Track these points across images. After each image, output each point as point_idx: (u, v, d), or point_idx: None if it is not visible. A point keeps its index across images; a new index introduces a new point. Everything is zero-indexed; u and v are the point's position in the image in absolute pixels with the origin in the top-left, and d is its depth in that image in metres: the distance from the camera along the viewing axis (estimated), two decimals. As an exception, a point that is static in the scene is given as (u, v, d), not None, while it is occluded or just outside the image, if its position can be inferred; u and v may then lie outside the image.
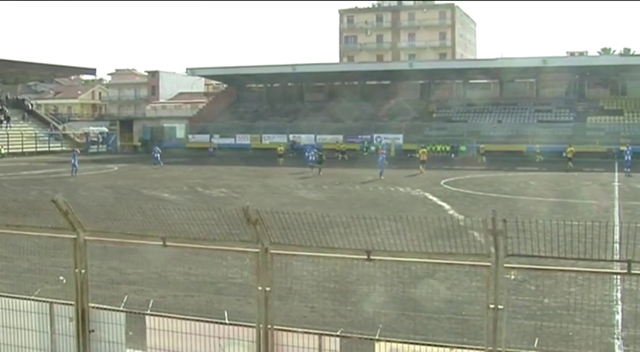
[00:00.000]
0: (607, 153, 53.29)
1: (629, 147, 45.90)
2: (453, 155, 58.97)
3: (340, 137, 65.39)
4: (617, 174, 39.50)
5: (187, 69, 77.94)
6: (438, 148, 60.16)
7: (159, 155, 47.90)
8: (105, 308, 6.80)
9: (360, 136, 65.02)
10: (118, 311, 6.71)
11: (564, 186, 32.16)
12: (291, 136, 67.32)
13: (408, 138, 62.89)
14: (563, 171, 41.69)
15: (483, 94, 71.13)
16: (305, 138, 66.32)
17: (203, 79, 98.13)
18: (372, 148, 61.40)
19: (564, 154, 46.48)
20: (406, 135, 63.56)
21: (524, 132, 60.76)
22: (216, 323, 6.57)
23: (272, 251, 7.04)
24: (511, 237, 6.89)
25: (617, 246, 8.49)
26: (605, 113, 63.75)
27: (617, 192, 28.80)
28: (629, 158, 42.87)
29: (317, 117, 70.95)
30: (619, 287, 9.84)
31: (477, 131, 62.70)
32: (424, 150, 44.48)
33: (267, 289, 6.78)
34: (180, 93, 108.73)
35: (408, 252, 7.19)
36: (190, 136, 72.58)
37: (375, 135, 64.59)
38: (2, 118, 71.43)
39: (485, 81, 73.04)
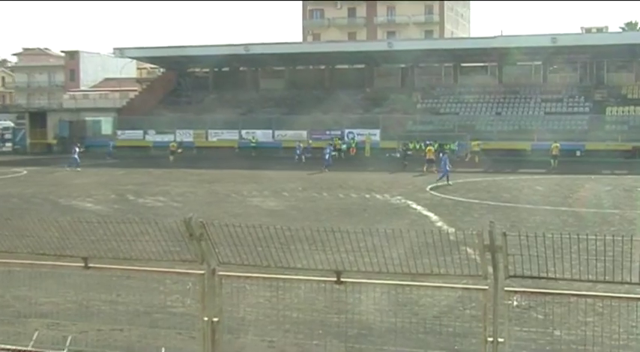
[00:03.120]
0: (631, 151, 54.42)
1: None
2: (441, 154, 59.56)
3: (304, 133, 65.58)
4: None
5: (115, 49, 77.24)
6: (422, 146, 60.67)
7: (77, 156, 48.21)
8: (8, 350, 6.65)
9: (328, 132, 65.30)
10: None
11: (579, 192, 32.78)
12: (244, 132, 67.23)
13: (387, 133, 63.38)
14: (572, 172, 42.49)
15: (479, 81, 72.12)
16: (261, 135, 66.26)
17: (135, 61, 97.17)
18: (344, 146, 61.68)
19: (552, 152, 48.66)
20: (384, 130, 64.03)
21: (529, 127, 61.66)
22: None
23: (220, 272, 6.99)
24: (513, 255, 6.95)
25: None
26: (629, 103, 64.98)
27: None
28: None
29: (276, 110, 71.05)
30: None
31: (470, 125, 63.44)
32: (431, 147, 46.70)
33: (215, 320, 6.72)
34: (107, 80, 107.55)
35: (386, 272, 7.23)
36: (119, 132, 71.84)
37: (346, 131, 64.89)
38: None
39: (481, 64, 74.11)
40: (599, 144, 55.74)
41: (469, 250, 7.89)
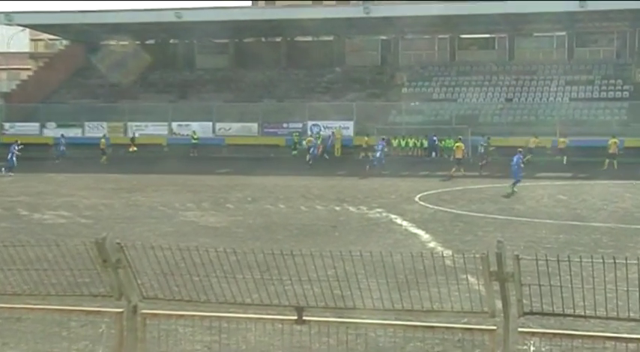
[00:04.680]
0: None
1: None
2: (434, 154, 60.07)
3: (254, 126, 65.53)
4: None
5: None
6: (410, 143, 61.13)
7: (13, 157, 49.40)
8: None
9: (286, 125, 65.37)
10: None
11: (615, 203, 33.21)
12: (175, 125, 66.94)
13: (362, 126, 63.55)
14: (606, 177, 43.06)
15: (483, 58, 72.95)
16: (198, 128, 65.88)
17: (27, 30, 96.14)
18: (306, 143, 61.98)
19: (609, 150, 50.33)
20: (359, 122, 64.29)
21: (549, 118, 62.32)
22: None
23: (144, 311, 6.94)
24: (529, 285, 6.98)
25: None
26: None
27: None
28: None
29: (217, 95, 70.92)
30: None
31: (472, 115, 64.03)
32: (460, 144, 48.34)
33: (137, 375, 6.67)
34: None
35: (363, 309, 7.22)
36: (7, 125, 71.03)
37: (309, 123, 65.00)
38: None
39: (486, 36, 74.86)
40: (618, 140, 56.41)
41: (471, 279, 7.94)
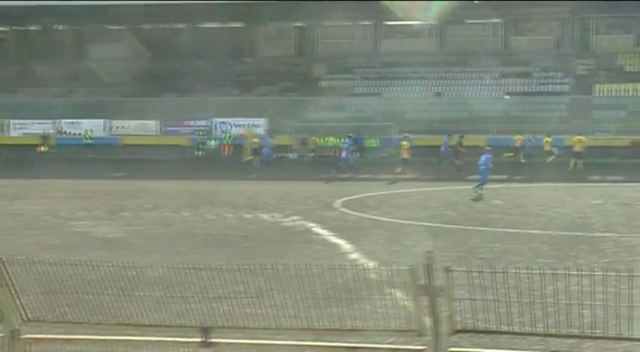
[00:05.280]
0: (631, 148, 56.36)
1: None
2: (355, 154, 60.31)
3: (154, 124, 64.89)
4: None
5: None
6: (329, 142, 61.13)
7: None
8: None
9: (189, 123, 64.86)
10: None
11: (556, 208, 33.75)
12: (63, 123, 65.82)
13: (277, 124, 63.33)
14: (546, 180, 43.80)
15: (411, 46, 73.38)
16: (89, 126, 64.89)
17: None
18: (212, 143, 61.58)
19: (574, 148, 51.25)
20: (273, 119, 64.09)
21: (484, 114, 63.00)
22: None
23: (27, 335, 6.82)
24: (461, 300, 7.02)
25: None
26: (626, 77, 67.58)
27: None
28: None
29: (111, 90, 70.00)
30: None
31: (399, 112, 64.30)
32: (405, 142, 48.57)
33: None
34: None
35: (277, 328, 7.19)
36: None
37: (216, 121, 64.59)
38: None
39: (408, 23, 75.25)
40: (585, 138, 57.39)
41: (398, 294, 8.00)
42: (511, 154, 54.06)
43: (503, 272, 6.70)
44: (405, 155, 47.34)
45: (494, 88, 67.79)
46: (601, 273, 6.78)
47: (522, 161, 53.70)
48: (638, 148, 55.51)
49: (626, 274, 6.77)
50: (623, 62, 69.24)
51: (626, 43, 71.70)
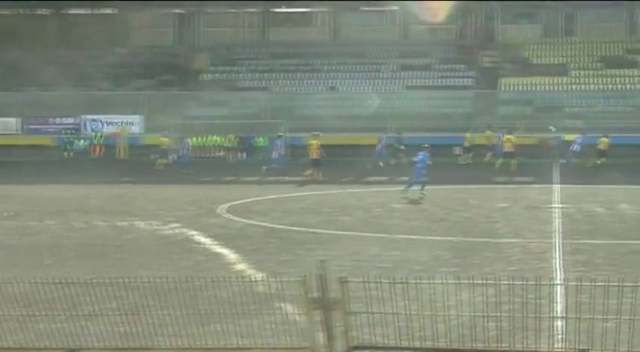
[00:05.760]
0: (540, 146, 57.46)
1: (579, 138, 53.45)
2: (241, 154, 60.33)
3: (14, 122, 63.72)
4: (558, 186, 42.78)
5: None
6: (216, 141, 61.00)
7: None
8: None
9: (54, 120, 63.93)
10: None
11: (459, 212, 34.21)
12: None
13: (153, 122, 62.83)
14: (447, 181, 44.41)
15: (301, 37, 73.71)
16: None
17: None
18: (81, 143, 60.83)
19: (504, 148, 52.33)
20: (149, 117, 63.58)
21: (383, 110, 63.51)
22: None
23: None
24: (358, 313, 7.07)
25: (559, 323, 9.16)
26: (534, 71, 69.45)
27: (558, 221, 30.99)
28: (577, 149, 50.83)
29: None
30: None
31: (289, 107, 64.53)
32: (315, 141, 47.31)
33: None
34: None
35: (154, 349, 7.12)
36: None
37: (86, 118, 63.79)
38: None
39: (303, 10, 75.51)
40: (514, 136, 58.38)
41: (289, 307, 8.02)
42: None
43: (402, 282, 6.76)
44: (315, 155, 46.90)
45: (392, 81, 68.49)
46: (507, 282, 6.90)
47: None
48: (546, 147, 56.62)
49: (534, 283, 6.90)
50: (530, 54, 70.78)
51: (532, 34, 73.31)
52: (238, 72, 70.22)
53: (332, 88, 68.14)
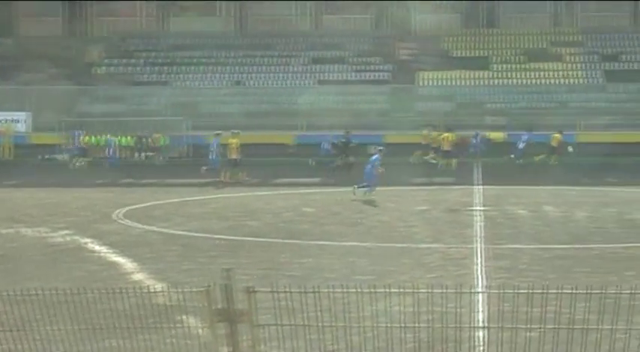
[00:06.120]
0: (459, 145, 57.76)
1: (525, 135, 55.26)
2: (139, 154, 59.86)
3: None
4: (480, 187, 43.39)
5: None
6: (113, 140, 60.37)
7: None
8: None
9: None
10: None
11: (375, 216, 34.40)
12: None
13: (42, 119, 62.03)
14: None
15: (204, 27, 73.31)
16: None
17: None
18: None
19: (443, 146, 53.41)
20: (38, 114, 62.77)
21: (293, 107, 63.50)
22: None
23: None
24: (267, 325, 7.06)
25: (480, 333, 9.28)
26: (455, 64, 69.74)
27: (480, 225, 31.36)
28: (522, 146, 53.62)
29: None
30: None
31: (191, 104, 64.20)
32: (235, 140, 47.40)
33: None
34: None
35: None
36: None
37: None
38: None
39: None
40: (408, 134, 58.62)
41: (191, 320, 7.99)
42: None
43: (314, 292, 6.78)
44: (235, 155, 46.72)
45: (303, 75, 68.43)
46: (426, 291, 6.95)
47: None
48: (466, 146, 57.07)
49: (454, 291, 6.96)
50: (450, 46, 71.24)
51: (452, 24, 73.77)
52: (135, 65, 69.60)
53: (238, 83, 67.90)
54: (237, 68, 69.07)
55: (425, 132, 56.66)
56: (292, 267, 23.37)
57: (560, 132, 55.12)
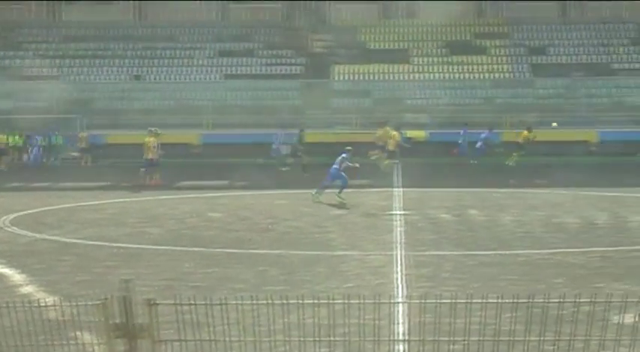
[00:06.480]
0: (377, 144, 58.05)
1: (485, 134, 56.09)
2: (28, 155, 59.34)
3: None
4: (400, 190, 43.64)
5: None
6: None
7: None
8: None
9: None
10: None
11: (287, 221, 34.43)
12: None
13: None
14: (273, 186, 44.67)
15: (100, 17, 72.83)
16: None
17: None
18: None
19: (389, 146, 53.25)
20: None
21: (198, 103, 63.24)
22: None
23: None
24: (169, 341, 7.02)
25: (400, 346, 9.33)
26: (372, 58, 70.26)
27: (400, 230, 31.53)
28: (464, 141, 55.94)
29: None
30: None
31: (86, 100, 63.77)
32: (151, 139, 47.34)
33: None
34: None
35: None
36: None
37: None
38: None
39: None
40: (323, 132, 58.78)
41: (86, 336, 7.93)
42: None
43: (221, 304, 6.78)
44: (151, 155, 46.54)
45: (209, 69, 68.35)
46: (342, 302, 6.98)
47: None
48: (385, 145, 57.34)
49: (372, 302, 6.99)
50: (367, 38, 71.55)
51: (369, 15, 74.09)
52: (24, 57, 68.98)
53: (137, 77, 67.56)
54: (136, 61, 68.82)
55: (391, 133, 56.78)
56: (197, 278, 23.29)
57: (529, 129, 55.85)
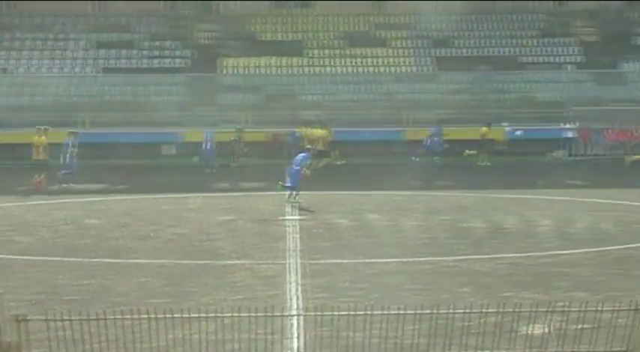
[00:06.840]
0: (271, 144, 57.99)
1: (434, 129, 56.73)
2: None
3: None
4: (291, 193, 43.57)
5: None
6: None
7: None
8: None
9: None
10: None
11: (172, 227, 34.53)
12: None
13: None
14: (154, 190, 44.52)
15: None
16: None
17: None
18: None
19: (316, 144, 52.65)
20: None
21: (69, 100, 62.73)
22: None
23: None
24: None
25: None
26: (263, 50, 70.05)
27: (294, 237, 31.80)
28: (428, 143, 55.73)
29: None
30: None
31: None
32: (41, 138, 46.96)
33: None
34: None
35: None
36: None
37: None
38: None
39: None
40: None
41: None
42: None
43: (98, 319, 6.72)
44: (41, 156, 46.32)
45: (84, 62, 67.77)
46: (231, 315, 6.98)
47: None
48: (280, 145, 57.34)
49: (264, 315, 7.00)
50: (257, 29, 71.50)
51: (260, 4, 74.06)
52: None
53: (3, 71, 66.75)
54: (1, 53, 67.90)
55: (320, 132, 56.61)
56: (72, 290, 23.13)
57: (489, 125, 56.37)
